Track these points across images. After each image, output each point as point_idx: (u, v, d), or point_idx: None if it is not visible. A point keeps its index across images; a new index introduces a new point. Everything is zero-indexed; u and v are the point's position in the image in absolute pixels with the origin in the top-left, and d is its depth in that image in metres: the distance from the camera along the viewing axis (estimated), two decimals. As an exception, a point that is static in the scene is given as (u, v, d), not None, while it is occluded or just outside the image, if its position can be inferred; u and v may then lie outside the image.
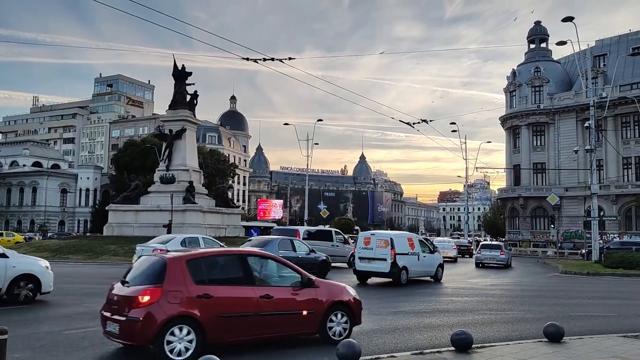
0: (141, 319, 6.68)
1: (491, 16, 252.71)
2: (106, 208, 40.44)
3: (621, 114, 54.70)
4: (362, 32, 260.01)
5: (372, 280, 19.36)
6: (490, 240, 69.23)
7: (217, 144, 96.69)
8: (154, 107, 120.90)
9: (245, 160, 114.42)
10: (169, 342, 6.74)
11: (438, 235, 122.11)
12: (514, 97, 63.39)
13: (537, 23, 65.24)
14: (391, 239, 19.47)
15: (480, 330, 9.73)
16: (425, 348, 7.75)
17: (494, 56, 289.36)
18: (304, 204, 57.45)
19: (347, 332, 8.34)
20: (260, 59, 19.49)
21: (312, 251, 21.24)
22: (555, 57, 64.38)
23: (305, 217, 52.59)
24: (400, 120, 30.79)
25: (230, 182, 71.55)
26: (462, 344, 7.45)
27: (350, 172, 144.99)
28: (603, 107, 40.91)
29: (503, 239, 62.89)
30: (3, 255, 11.85)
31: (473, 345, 7.55)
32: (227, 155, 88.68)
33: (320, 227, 34.41)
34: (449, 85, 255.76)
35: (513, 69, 64.91)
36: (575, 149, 47.66)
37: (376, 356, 7.13)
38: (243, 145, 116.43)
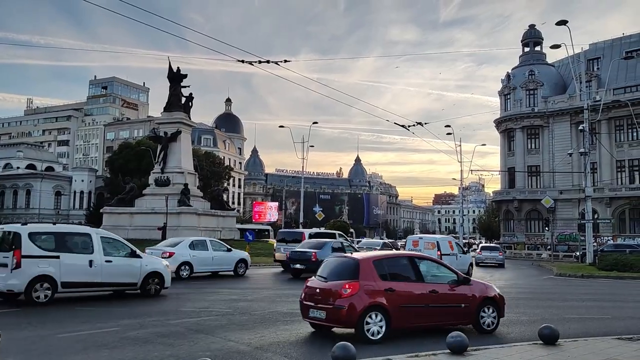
0: (346, 307, 8.39)
1: (486, 20, 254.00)
2: (101, 211, 40.25)
3: (615, 117, 54.97)
4: (357, 35, 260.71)
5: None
6: (486, 242, 69.56)
7: (212, 146, 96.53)
8: (149, 110, 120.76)
9: (240, 163, 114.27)
10: (367, 325, 8.42)
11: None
12: (509, 100, 63.63)
13: (532, 26, 65.54)
14: (437, 241, 22.97)
15: (475, 332, 9.73)
16: (420, 351, 7.74)
17: (488, 59, 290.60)
18: (300, 206, 57.45)
19: (495, 323, 9.76)
20: (255, 62, 19.46)
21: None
22: (549, 60, 64.72)
23: (301, 220, 52.56)
24: (395, 123, 31.00)
25: (225, 184, 71.42)
26: (458, 346, 7.44)
27: (345, 175, 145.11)
28: (597, 110, 41.12)
29: (498, 242, 63.09)
30: (138, 256, 13.94)
31: (468, 348, 7.54)
32: (222, 157, 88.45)
33: (325, 230, 34.76)
34: (444, 89, 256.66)
35: (507, 72, 65.17)
36: (569, 152, 47.82)
37: (372, 359, 7.12)
38: (238, 148, 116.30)
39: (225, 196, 50.73)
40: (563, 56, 57.38)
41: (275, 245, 28.25)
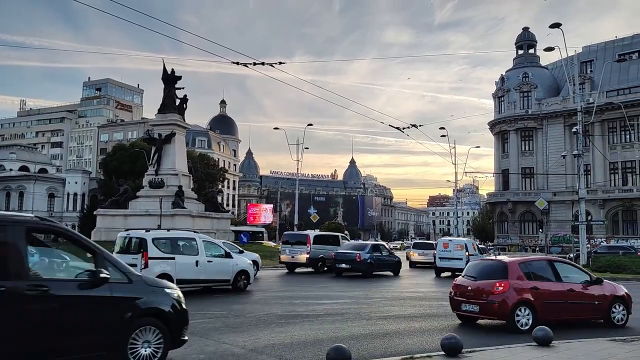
0: (499, 301, 9.98)
1: (480, 22, 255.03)
2: (94, 213, 39.99)
3: (608, 119, 55.30)
4: (352, 37, 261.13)
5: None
6: (480, 244, 70.08)
7: (206, 148, 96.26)
8: (143, 111, 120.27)
9: (235, 165, 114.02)
10: (517, 317, 9.93)
11: (427, 239, 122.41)
12: (503, 103, 63.88)
13: (525, 29, 65.88)
14: (465, 244, 26.42)
15: (471, 334, 9.74)
16: (415, 353, 7.74)
17: (482, 62, 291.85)
18: (294, 208, 57.30)
19: (625, 319, 10.95)
20: (250, 63, 19.39)
21: (391, 254, 26.97)
22: (543, 63, 65.01)
23: (296, 222, 52.39)
24: (390, 125, 31.03)
25: (219, 186, 71.19)
26: (452, 348, 7.44)
27: (340, 177, 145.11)
28: (590, 112, 41.33)
29: (492, 244, 63.26)
30: (230, 256, 16.30)
31: (463, 350, 7.54)
32: (216, 159, 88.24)
33: (328, 233, 35.19)
34: (439, 91, 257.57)
35: (501, 74, 65.44)
36: (563, 154, 48.01)
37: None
38: (233, 150, 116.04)
39: (219, 198, 50.65)
40: (557, 59, 57.52)
41: (280, 247, 28.62)
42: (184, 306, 6.83)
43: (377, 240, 64.47)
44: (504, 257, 11.74)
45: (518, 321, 9.94)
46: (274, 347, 8.23)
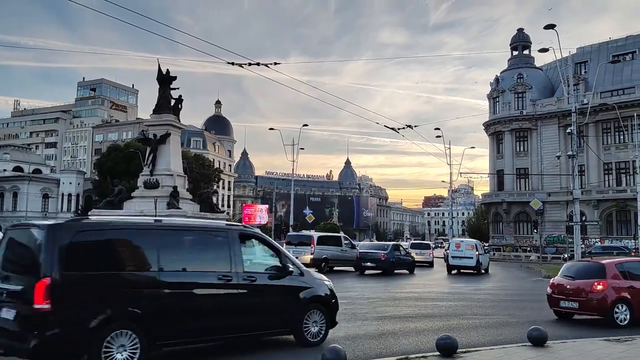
0: (598, 299, 10.90)
1: (474, 23, 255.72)
2: (89, 213, 39.84)
3: (602, 120, 55.52)
4: (347, 38, 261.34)
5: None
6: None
7: (201, 148, 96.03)
8: (138, 112, 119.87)
9: (230, 165, 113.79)
10: (615, 314, 10.85)
11: (423, 239, 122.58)
12: (498, 103, 64.02)
13: (520, 30, 66.08)
14: (475, 244, 29.12)
15: (465, 334, 9.75)
16: (410, 353, 7.75)
17: (477, 63, 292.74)
18: (290, 209, 57.29)
19: None
20: (245, 64, 19.31)
21: (408, 254, 29.34)
22: (537, 64, 65.19)
23: (291, 222, 52.37)
24: (385, 126, 31.26)
25: (215, 187, 71.09)
26: (447, 348, 7.45)
27: (335, 177, 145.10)
28: (584, 113, 41.46)
29: (487, 244, 63.46)
30: None
31: (458, 350, 7.55)
32: (212, 160, 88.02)
33: (331, 234, 35.80)
34: (433, 92, 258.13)
35: (496, 75, 65.57)
36: (557, 154, 48.17)
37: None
38: (228, 150, 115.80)
39: (215, 199, 50.40)
40: (551, 60, 57.79)
41: (284, 247, 29.00)
42: (335, 294, 8.58)
43: (372, 241, 64.54)
44: (599, 259, 12.75)
45: (617, 317, 10.80)
46: (271, 348, 8.21)
